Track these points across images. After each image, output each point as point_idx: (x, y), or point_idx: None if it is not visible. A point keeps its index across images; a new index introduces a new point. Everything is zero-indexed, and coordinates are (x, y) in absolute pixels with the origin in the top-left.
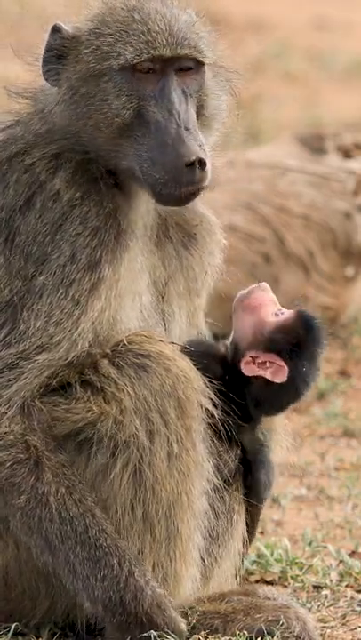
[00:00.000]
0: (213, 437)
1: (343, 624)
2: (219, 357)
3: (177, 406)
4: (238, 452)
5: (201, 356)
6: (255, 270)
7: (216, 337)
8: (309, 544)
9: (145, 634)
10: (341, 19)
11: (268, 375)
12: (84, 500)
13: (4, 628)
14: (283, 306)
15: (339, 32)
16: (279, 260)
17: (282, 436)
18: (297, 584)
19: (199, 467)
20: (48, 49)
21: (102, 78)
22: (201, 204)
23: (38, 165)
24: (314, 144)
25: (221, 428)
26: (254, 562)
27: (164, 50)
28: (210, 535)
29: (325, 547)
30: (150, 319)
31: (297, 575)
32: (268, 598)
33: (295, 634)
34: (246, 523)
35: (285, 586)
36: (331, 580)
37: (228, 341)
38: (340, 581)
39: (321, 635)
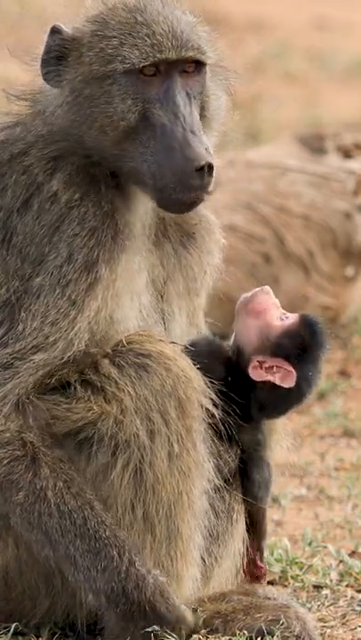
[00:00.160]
0: (214, 437)
1: (343, 624)
2: (223, 358)
3: (177, 406)
4: (238, 451)
5: (203, 355)
6: (255, 270)
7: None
8: (309, 544)
9: (148, 626)
10: (341, 19)
11: (276, 380)
12: (82, 492)
13: (4, 628)
14: (283, 306)
15: (339, 32)
16: (279, 259)
17: (282, 436)
18: (297, 584)
19: (200, 466)
20: (47, 50)
21: (106, 81)
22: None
23: (37, 167)
24: (314, 144)
25: (222, 427)
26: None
27: (169, 53)
28: (210, 535)
29: (325, 547)
30: (150, 319)
31: (297, 575)
32: (269, 598)
33: (295, 633)
34: (251, 523)
35: (285, 586)
36: (331, 580)
37: (230, 343)
38: (340, 581)
39: (321, 634)
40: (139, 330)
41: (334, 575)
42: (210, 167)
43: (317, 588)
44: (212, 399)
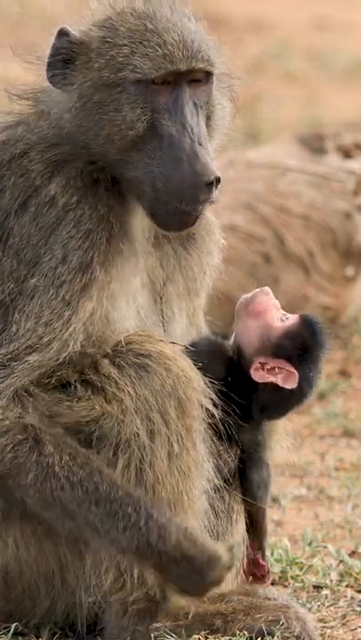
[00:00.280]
0: (213, 437)
1: (343, 624)
2: (224, 358)
3: (177, 406)
4: (238, 451)
5: (204, 355)
6: (255, 270)
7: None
8: (309, 544)
9: (184, 575)
10: (341, 19)
11: (279, 381)
12: (88, 461)
13: (4, 628)
14: (283, 306)
15: (339, 32)
16: (279, 259)
17: (282, 436)
18: (297, 584)
19: (199, 466)
20: (54, 53)
21: (116, 88)
22: None
23: (36, 169)
24: (314, 144)
25: (222, 427)
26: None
27: (180, 64)
28: (210, 535)
29: (325, 547)
30: (148, 319)
31: (297, 575)
32: (269, 598)
33: (295, 634)
34: (251, 523)
35: (285, 586)
36: (331, 580)
37: (230, 343)
38: (341, 581)
39: (321, 635)
40: (138, 330)
41: (334, 575)
42: (217, 181)
43: (317, 588)
44: (211, 399)
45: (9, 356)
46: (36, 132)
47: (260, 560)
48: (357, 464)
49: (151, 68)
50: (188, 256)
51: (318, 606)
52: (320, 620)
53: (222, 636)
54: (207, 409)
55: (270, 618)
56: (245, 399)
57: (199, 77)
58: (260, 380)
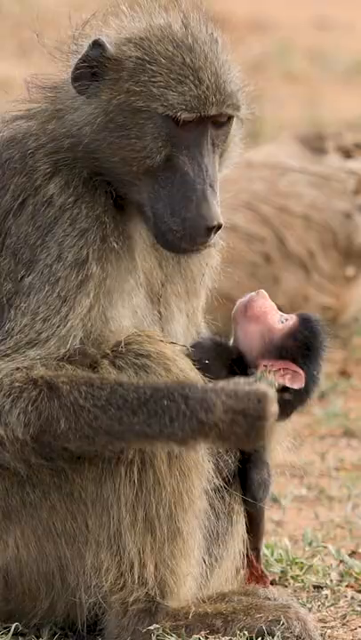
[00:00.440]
0: None
1: (343, 624)
2: (227, 359)
3: None
4: (238, 452)
5: (207, 355)
6: (255, 270)
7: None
8: (310, 544)
9: (249, 422)
10: (343, 19)
11: (286, 382)
12: (105, 380)
13: (5, 628)
14: (283, 306)
15: (340, 32)
16: (279, 259)
17: (282, 436)
18: (297, 584)
19: (199, 467)
20: (86, 61)
21: (142, 114)
22: None
23: (39, 170)
24: (314, 144)
25: None
26: None
27: (211, 109)
28: (210, 535)
29: (326, 547)
30: (145, 320)
31: (297, 575)
32: (269, 598)
33: (296, 634)
34: (249, 523)
35: (286, 586)
36: (331, 580)
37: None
38: (341, 581)
39: (321, 635)
40: (138, 330)
41: (335, 575)
42: (218, 227)
43: (318, 588)
44: None
45: (10, 350)
46: (49, 132)
47: (255, 561)
48: (358, 464)
49: (183, 108)
50: (187, 257)
51: (318, 606)
52: (320, 620)
53: (222, 636)
54: None
55: (271, 618)
56: None
57: (223, 120)
58: None
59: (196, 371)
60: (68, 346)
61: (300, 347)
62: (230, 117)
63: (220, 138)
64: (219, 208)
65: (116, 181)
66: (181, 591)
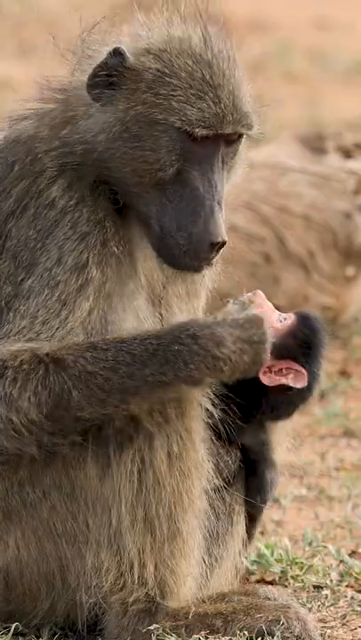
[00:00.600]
0: (213, 437)
1: (343, 624)
2: None
3: (177, 406)
4: (238, 452)
5: None
6: (255, 270)
7: None
8: (310, 544)
9: (250, 349)
10: (343, 19)
11: (289, 382)
12: (107, 341)
13: (5, 628)
14: (283, 306)
15: (340, 32)
16: (279, 259)
17: (282, 436)
18: (297, 584)
19: (199, 467)
20: (104, 69)
21: (158, 127)
22: None
23: (44, 174)
24: (315, 144)
25: (222, 428)
26: (254, 562)
27: (227, 127)
28: (210, 535)
29: (326, 547)
30: (146, 322)
31: (297, 575)
32: (269, 598)
33: (296, 634)
34: (246, 523)
35: (286, 586)
36: (331, 580)
37: None
38: (341, 581)
39: (321, 635)
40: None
41: (335, 575)
42: (222, 245)
43: (318, 588)
44: (211, 399)
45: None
46: (61, 137)
47: None
48: (358, 464)
49: (202, 125)
50: (187, 275)
51: (318, 606)
52: (320, 620)
53: (222, 636)
54: (207, 409)
55: (270, 618)
56: (254, 403)
57: (235, 138)
58: (270, 384)
59: None
60: None
61: (301, 345)
62: (241, 135)
63: (229, 155)
64: (224, 225)
65: (122, 191)
66: (181, 591)
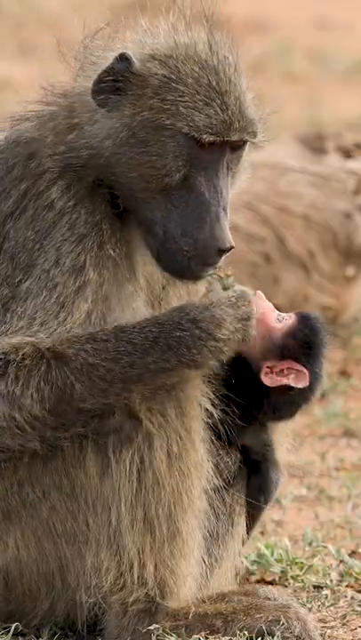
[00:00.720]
0: (213, 438)
1: (343, 624)
2: (228, 361)
3: (177, 406)
4: (238, 453)
5: None
6: (255, 270)
7: None
8: (310, 544)
9: (247, 323)
10: (343, 19)
11: (291, 382)
12: (106, 331)
13: (4, 629)
14: (283, 306)
15: (340, 32)
16: (279, 259)
17: (282, 436)
18: (297, 584)
19: (199, 467)
20: (110, 75)
21: (165, 132)
22: None
23: (45, 176)
24: (315, 144)
25: (221, 428)
26: (255, 562)
27: (234, 135)
28: (210, 535)
29: (326, 547)
30: None
31: (297, 575)
32: (269, 598)
33: (296, 634)
34: (246, 523)
35: (286, 586)
36: (331, 580)
37: None
38: (341, 581)
39: (321, 635)
40: None
41: (335, 575)
42: (228, 250)
43: (318, 588)
44: (211, 399)
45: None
46: (67, 142)
47: None
48: (358, 464)
49: (209, 131)
50: (188, 283)
51: (318, 606)
52: (320, 620)
53: (222, 636)
54: (207, 409)
55: (270, 618)
56: (256, 404)
57: (240, 144)
58: (271, 384)
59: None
60: None
61: (301, 345)
62: (246, 142)
63: (234, 161)
64: (229, 231)
65: (126, 196)
66: (181, 591)
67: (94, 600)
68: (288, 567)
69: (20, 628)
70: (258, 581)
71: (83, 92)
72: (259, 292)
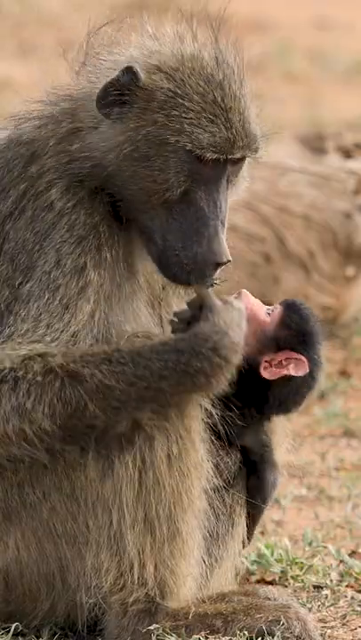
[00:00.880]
0: (213, 438)
1: (343, 624)
2: None
3: (176, 406)
4: (238, 454)
5: None
6: (255, 270)
7: None
8: (310, 544)
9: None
10: (343, 18)
11: (291, 372)
12: (123, 354)
13: (4, 629)
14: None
15: (340, 32)
16: (279, 260)
17: (282, 436)
18: (297, 584)
19: (199, 467)
20: (115, 87)
21: (168, 147)
22: None
23: (44, 178)
24: (315, 144)
25: (221, 428)
26: (255, 562)
27: (237, 152)
28: (210, 536)
29: (326, 547)
30: (146, 323)
31: (297, 575)
32: (269, 598)
33: (296, 634)
34: (246, 523)
35: (286, 586)
36: (331, 580)
37: None
38: (341, 581)
39: (321, 635)
40: (137, 331)
41: (335, 575)
42: (226, 263)
43: (318, 588)
44: (210, 400)
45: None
46: (68, 152)
47: None
48: (358, 464)
49: (213, 150)
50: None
51: (318, 606)
52: (320, 620)
53: (222, 636)
54: (206, 409)
55: (271, 618)
56: (260, 399)
57: (241, 159)
58: (272, 377)
59: None
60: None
61: (295, 334)
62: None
63: (233, 175)
64: (227, 244)
65: (127, 206)
66: (181, 591)
67: (94, 600)
68: (288, 567)
69: (21, 629)
70: (258, 581)
71: (85, 95)
72: (243, 290)
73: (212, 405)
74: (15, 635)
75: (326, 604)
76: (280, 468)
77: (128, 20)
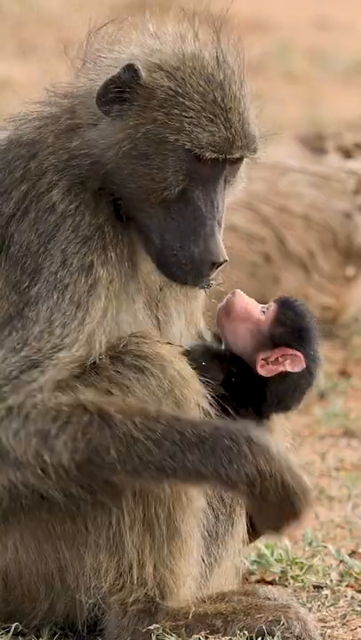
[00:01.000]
0: None
1: (344, 624)
2: (222, 362)
3: (175, 406)
4: None
5: (200, 360)
6: (255, 270)
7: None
8: (310, 544)
9: (278, 504)
10: (343, 18)
11: (287, 367)
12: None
13: (4, 629)
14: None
15: (340, 32)
16: (279, 260)
17: (281, 436)
18: (297, 584)
19: None
20: (116, 84)
21: (167, 146)
22: None
23: (45, 178)
24: (315, 144)
25: None
26: (254, 562)
27: (236, 152)
28: (210, 535)
29: (326, 547)
30: (144, 323)
31: (297, 575)
32: (269, 598)
33: (296, 634)
34: (246, 523)
35: (286, 586)
36: (331, 580)
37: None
38: (341, 581)
39: (321, 635)
40: (136, 332)
41: (335, 575)
42: (222, 264)
43: (318, 588)
44: (209, 400)
45: (35, 356)
46: (68, 149)
47: None
48: (358, 464)
49: (212, 149)
50: (186, 289)
51: (318, 606)
52: (320, 620)
53: (222, 636)
54: (205, 409)
55: (271, 618)
56: (259, 398)
57: (239, 160)
58: (270, 374)
59: (192, 372)
60: (95, 352)
61: (290, 331)
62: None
63: (231, 175)
64: (223, 244)
65: (126, 204)
66: (181, 591)
67: (94, 601)
68: (288, 567)
69: (20, 629)
70: (258, 581)
71: (85, 92)
72: (237, 290)
73: (211, 405)
74: (15, 634)
75: (326, 603)
76: None
77: (129, 19)
